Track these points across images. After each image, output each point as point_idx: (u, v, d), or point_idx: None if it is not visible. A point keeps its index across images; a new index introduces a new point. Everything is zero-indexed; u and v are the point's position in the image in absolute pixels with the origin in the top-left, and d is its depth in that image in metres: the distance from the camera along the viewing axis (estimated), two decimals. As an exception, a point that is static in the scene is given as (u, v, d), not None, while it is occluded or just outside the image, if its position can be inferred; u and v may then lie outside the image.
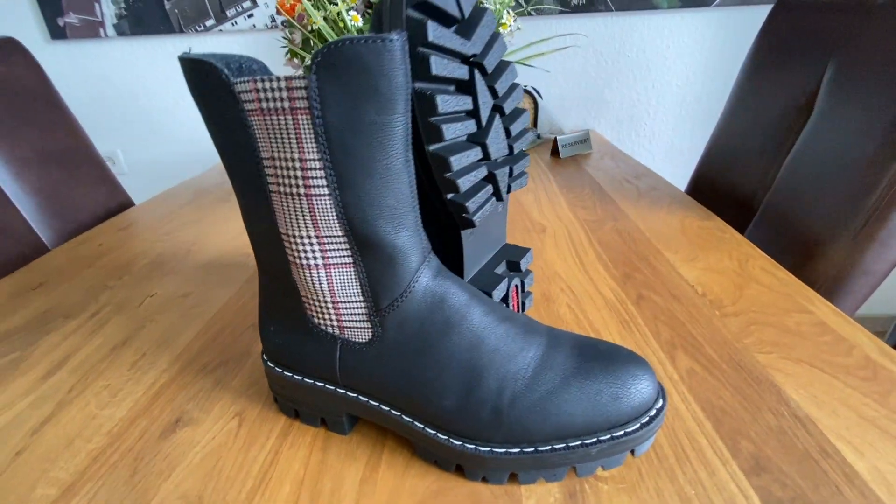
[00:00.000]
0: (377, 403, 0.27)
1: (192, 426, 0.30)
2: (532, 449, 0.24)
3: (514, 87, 0.26)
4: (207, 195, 0.78)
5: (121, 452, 0.29)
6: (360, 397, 0.27)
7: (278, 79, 0.20)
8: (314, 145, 0.21)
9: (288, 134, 0.21)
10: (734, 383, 0.32)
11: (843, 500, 0.24)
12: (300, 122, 0.21)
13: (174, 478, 0.27)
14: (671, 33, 1.07)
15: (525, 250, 0.34)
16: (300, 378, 0.28)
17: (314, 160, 0.21)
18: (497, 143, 0.26)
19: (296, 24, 0.45)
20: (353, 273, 0.24)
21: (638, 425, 0.24)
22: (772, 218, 0.66)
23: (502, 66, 0.25)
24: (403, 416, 0.26)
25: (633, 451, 0.25)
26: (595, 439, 0.24)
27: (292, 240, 0.24)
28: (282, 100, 0.20)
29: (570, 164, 0.86)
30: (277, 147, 0.22)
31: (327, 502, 0.25)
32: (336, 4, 0.41)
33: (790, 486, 0.25)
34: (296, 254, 0.24)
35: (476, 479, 0.25)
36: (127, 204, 0.82)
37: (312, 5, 0.43)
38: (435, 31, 0.21)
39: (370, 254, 0.24)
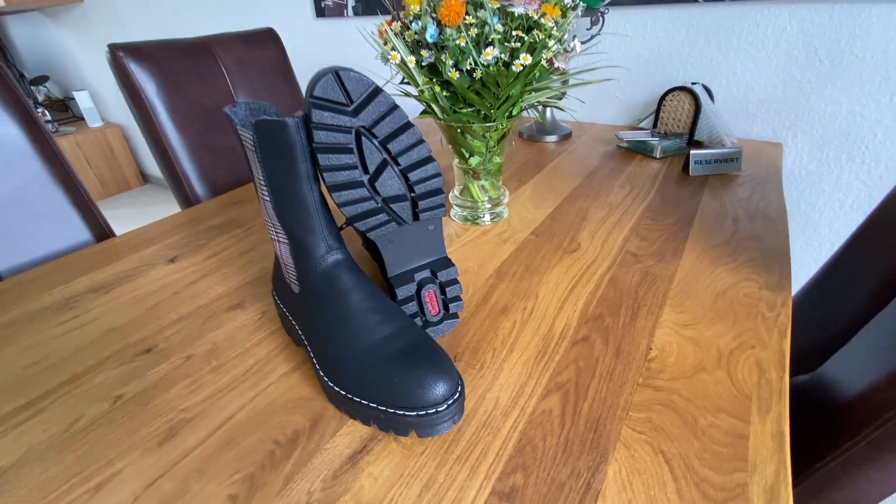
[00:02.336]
0: (299, 332, 0.42)
1: (243, 309, 0.52)
2: (350, 396, 0.36)
3: (413, 145, 0.35)
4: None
5: (210, 322, 0.52)
6: (295, 325, 0.43)
7: (245, 130, 0.35)
8: (262, 171, 0.36)
9: (254, 163, 0.36)
10: (569, 436, 0.35)
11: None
12: (254, 157, 0.36)
13: (220, 333, 0.48)
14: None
15: (449, 264, 0.42)
16: (282, 307, 0.46)
17: (261, 180, 0.36)
18: (390, 185, 0.35)
19: (385, 50, 0.58)
20: (289, 249, 0.39)
21: (414, 414, 0.33)
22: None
23: (399, 131, 0.34)
24: (307, 343, 0.41)
25: (416, 430, 0.34)
26: (384, 409, 0.34)
27: (270, 226, 0.40)
28: (247, 141, 0.36)
29: (692, 185, 0.77)
30: (255, 169, 0.37)
31: (273, 380, 0.42)
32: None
33: (513, 518, 0.30)
34: (271, 234, 0.40)
35: (328, 401, 0.39)
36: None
37: (396, 35, 0.55)
38: (318, 115, 0.32)
39: (293, 241, 0.38)
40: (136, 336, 0.48)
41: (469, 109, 0.56)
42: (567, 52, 0.53)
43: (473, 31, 0.48)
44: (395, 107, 0.34)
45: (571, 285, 0.53)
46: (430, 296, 0.42)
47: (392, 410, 0.34)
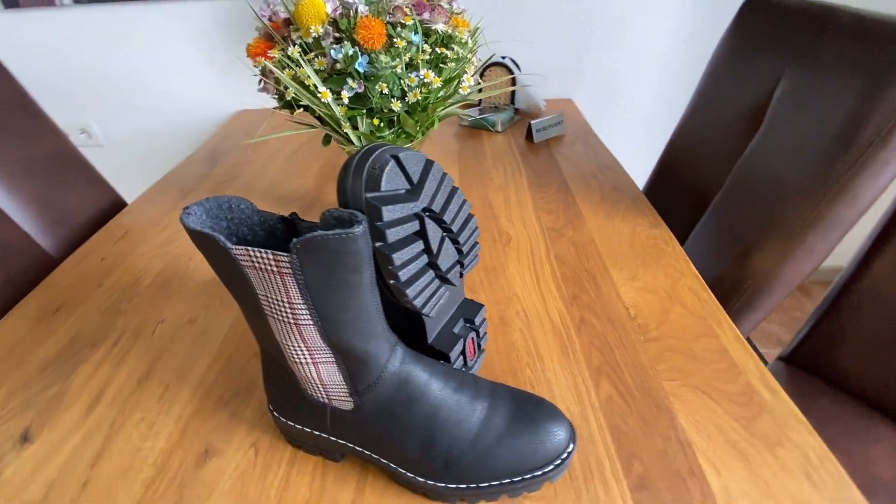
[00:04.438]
0: (361, 448, 0.35)
1: (218, 456, 0.39)
2: (475, 486, 0.33)
3: (461, 206, 0.32)
4: (193, 195, 0.81)
5: (167, 482, 0.37)
6: (348, 443, 0.36)
7: (266, 252, 0.26)
8: (299, 294, 0.27)
9: (277, 285, 0.27)
10: (640, 409, 0.41)
11: (693, 511, 0.34)
12: (287, 279, 0.27)
13: (212, 502, 0.36)
14: None
15: (479, 307, 0.41)
16: (300, 427, 0.37)
17: (300, 303, 0.28)
18: (447, 258, 0.32)
19: (266, 77, 0.47)
20: (335, 368, 0.31)
21: (552, 467, 0.33)
22: (716, 219, 0.73)
23: (450, 197, 0.30)
24: (381, 459, 0.35)
25: (550, 480, 0.34)
26: (520, 478, 0.33)
27: (287, 347, 0.31)
28: (270, 264, 0.26)
29: (541, 150, 0.90)
30: (270, 290, 0.28)
31: (327, 521, 0.34)
32: (300, 65, 0.43)
33: (660, 501, 0.35)
34: (291, 355, 0.31)
35: (437, 501, 0.35)
36: (118, 203, 0.85)
37: (278, 62, 0.45)
38: (388, 212, 0.26)
39: (348, 357, 0.31)
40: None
41: (390, 132, 0.51)
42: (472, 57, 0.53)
43: (407, 56, 0.43)
44: (444, 174, 0.30)
45: (533, 276, 0.58)
46: (470, 343, 0.41)
47: (528, 476, 0.33)
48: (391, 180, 0.26)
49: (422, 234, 0.29)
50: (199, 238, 0.27)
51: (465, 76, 0.47)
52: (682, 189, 0.83)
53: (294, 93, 0.43)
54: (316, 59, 0.43)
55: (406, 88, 0.44)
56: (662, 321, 0.50)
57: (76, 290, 0.59)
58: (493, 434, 0.33)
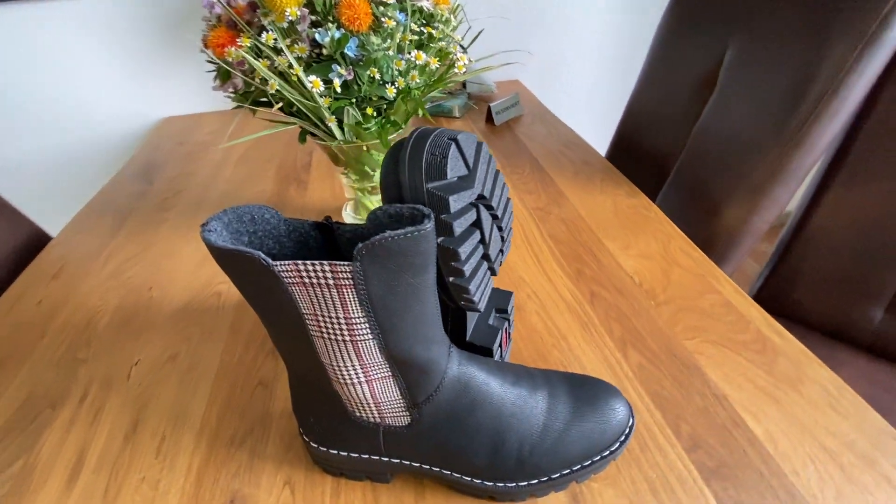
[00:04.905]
0: (418, 464, 0.33)
1: (253, 498, 0.34)
2: (546, 478, 0.32)
3: (503, 189, 0.30)
4: (134, 215, 0.72)
5: (194, 545, 0.32)
6: (403, 461, 0.33)
7: (321, 264, 0.22)
8: (358, 308, 0.24)
9: (332, 301, 0.24)
10: (671, 372, 0.42)
11: (748, 460, 0.35)
12: (345, 293, 0.23)
13: (255, 557, 0.31)
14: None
15: (508, 294, 0.40)
16: (345, 454, 0.33)
17: (358, 317, 0.24)
18: (495, 247, 0.30)
19: (233, 70, 0.41)
20: (392, 382, 0.28)
21: (618, 444, 0.33)
22: (682, 181, 0.76)
23: (496, 180, 0.28)
24: (442, 471, 0.32)
25: (614, 458, 0.34)
26: (590, 462, 0.32)
27: (335, 368, 0.27)
28: (325, 278, 0.23)
29: (505, 133, 0.89)
30: (321, 307, 0.24)
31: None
32: (280, 51, 0.39)
33: (715, 456, 0.36)
34: (339, 376, 0.28)
35: (505, 502, 0.33)
36: (38, 235, 0.73)
37: (250, 49, 0.39)
38: (454, 203, 0.23)
39: (407, 369, 0.28)
40: None
41: (375, 123, 0.48)
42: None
43: (398, 36, 0.40)
44: (491, 156, 0.27)
45: (534, 258, 0.57)
46: (504, 333, 0.39)
47: (597, 457, 0.32)
48: (453, 167, 0.23)
49: (478, 223, 0.26)
50: (229, 258, 0.23)
51: (457, 55, 0.45)
52: (643, 156, 0.86)
53: (278, 86, 0.38)
54: (295, 46, 0.38)
55: (398, 72, 0.41)
56: (666, 284, 0.52)
57: (15, 342, 0.50)
58: (560, 422, 0.32)
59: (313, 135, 0.50)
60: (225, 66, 0.40)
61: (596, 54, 1.19)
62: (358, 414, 0.31)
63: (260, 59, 0.39)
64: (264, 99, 0.50)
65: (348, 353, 0.26)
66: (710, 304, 0.49)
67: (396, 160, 0.23)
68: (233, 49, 0.38)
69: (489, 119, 0.94)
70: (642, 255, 0.56)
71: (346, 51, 0.37)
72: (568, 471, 0.32)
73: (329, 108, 0.42)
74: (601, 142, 1.31)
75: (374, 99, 0.43)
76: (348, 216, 0.62)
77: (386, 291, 0.23)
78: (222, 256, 0.23)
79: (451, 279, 0.27)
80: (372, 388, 0.28)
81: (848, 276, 0.74)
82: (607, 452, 0.32)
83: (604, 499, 0.33)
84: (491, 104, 0.91)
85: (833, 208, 0.72)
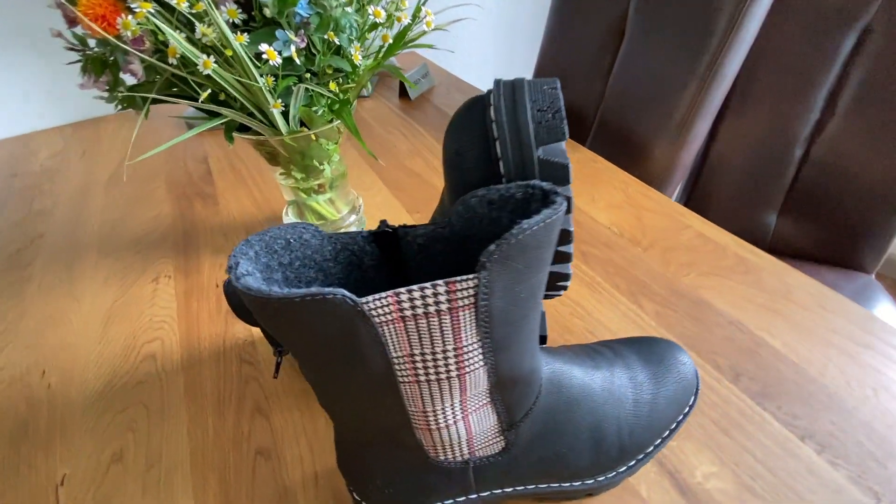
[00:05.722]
0: (511, 489, 0.28)
1: None
2: (643, 455, 0.30)
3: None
4: (-21, 280, 0.52)
5: None
6: (493, 491, 0.28)
7: (434, 286, 0.16)
8: (474, 332, 0.18)
9: (441, 331, 0.17)
10: (686, 311, 0.43)
11: (779, 373, 0.37)
12: (460, 317, 0.17)
13: None
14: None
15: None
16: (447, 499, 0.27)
17: (472, 344, 0.18)
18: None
19: (129, 48, 0.29)
20: (490, 410, 0.23)
21: (694, 398, 0.32)
22: (608, 130, 0.79)
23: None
24: (538, 487, 0.28)
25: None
26: (675, 424, 0.31)
27: (429, 414, 0.21)
28: (437, 303, 0.16)
29: (425, 107, 0.84)
30: (422, 344, 0.18)
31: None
32: (203, 17, 0.28)
33: (757, 379, 0.37)
34: (430, 422, 0.22)
35: (604, 492, 0.30)
36: None
37: (158, 14, 0.28)
38: (571, 169, 0.18)
39: (510, 389, 0.23)
40: None
41: (325, 102, 0.40)
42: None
43: (352, -11, 0.32)
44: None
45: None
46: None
47: (682, 417, 0.31)
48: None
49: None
50: (292, 308, 0.15)
51: (421, 10, 0.38)
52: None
53: (214, 64, 0.28)
54: (222, 8, 0.28)
55: (355, 33, 0.33)
56: (643, 229, 0.53)
57: None
58: (647, 392, 0.30)
59: (242, 130, 0.40)
60: (115, 46, 0.29)
61: (493, 18, 1.18)
62: (443, 458, 0.25)
63: (182, 34, 0.28)
64: (169, 92, 0.38)
65: (450, 392, 0.20)
66: (688, 238, 0.51)
67: (483, 129, 0.17)
68: (130, 19, 0.26)
69: (403, 93, 0.87)
70: (610, 206, 0.57)
71: (298, 10, 0.29)
72: (660, 440, 0.30)
73: (273, 89, 0.33)
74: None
75: (329, 72, 0.35)
76: (291, 221, 0.53)
77: (508, 302, 0.18)
78: (284, 308, 0.15)
79: (557, 267, 0.22)
80: (468, 423, 0.23)
81: (746, 191, 0.84)
82: (687, 409, 0.31)
83: (687, 454, 0.32)
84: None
85: (728, 135, 0.80)
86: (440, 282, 0.16)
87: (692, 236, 0.51)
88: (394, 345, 0.17)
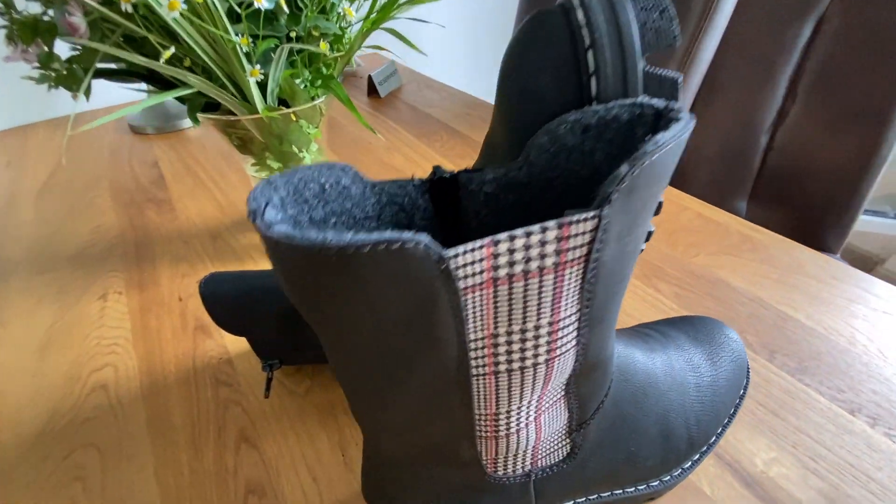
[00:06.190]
0: (571, 502, 0.24)
1: None
2: (706, 448, 0.26)
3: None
4: None
5: None
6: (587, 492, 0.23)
7: (545, 228, 0.12)
8: (575, 299, 0.14)
9: (538, 299, 0.13)
10: (705, 291, 0.41)
11: (811, 347, 0.35)
12: (564, 278, 0.13)
13: None
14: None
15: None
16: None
17: (570, 317, 0.14)
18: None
19: (71, 7, 0.23)
20: (562, 405, 0.19)
21: (747, 377, 0.29)
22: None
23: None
24: (600, 496, 0.24)
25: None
26: (734, 409, 0.28)
27: (500, 416, 0.17)
28: (543, 257, 0.12)
29: (396, 104, 0.80)
30: (509, 320, 0.13)
31: None
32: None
33: (791, 355, 0.35)
34: (500, 427, 0.17)
35: (662, 496, 0.27)
36: None
37: None
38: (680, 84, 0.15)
39: (588, 375, 0.18)
40: None
41: (309, 72, 0.35)
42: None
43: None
44: None
45: (508, 218, 0.51)
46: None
47: (739, 400, 0.28)
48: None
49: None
50: (355, 263, 0.10)
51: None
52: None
53: (182, 4, 0.22)
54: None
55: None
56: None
57: None
58: (706, 376, 0.26)
59: (211, 108, 0.34)
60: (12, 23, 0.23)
61: (461, 23, 1.16)
62: (501, 472, 0.20)
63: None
64: (111, 63, 0.32)
65: (532, 385, 0.16)
66: (688, 219, 0.50)
67: (565, 38, 0.13)
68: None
69: (372, 91, 0.83)
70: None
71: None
72: (721, 428, 0.27)
73: (251, 52, 0.28)
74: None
75: (316, 34, 0.30)
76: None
77: (615, 258, 0.14)
78: (342, 265, 0.10)
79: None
80: (538, 425, 0.19)
81: (719, 179, 0.86)
82: (742, 391, 0.28)
83: (742, 442, 0.30)
84: (371, 73, 0.80)
85: (699, 124, 0.82)
86: (550, 223, 0.11)
87: (692, 217, 0.50)
88: (475, 321, 0.13)
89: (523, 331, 0.14)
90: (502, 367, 0.15)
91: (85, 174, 0.63)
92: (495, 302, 0.13)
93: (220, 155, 0.66)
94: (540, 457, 0.21)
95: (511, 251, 0.12)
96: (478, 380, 0.15)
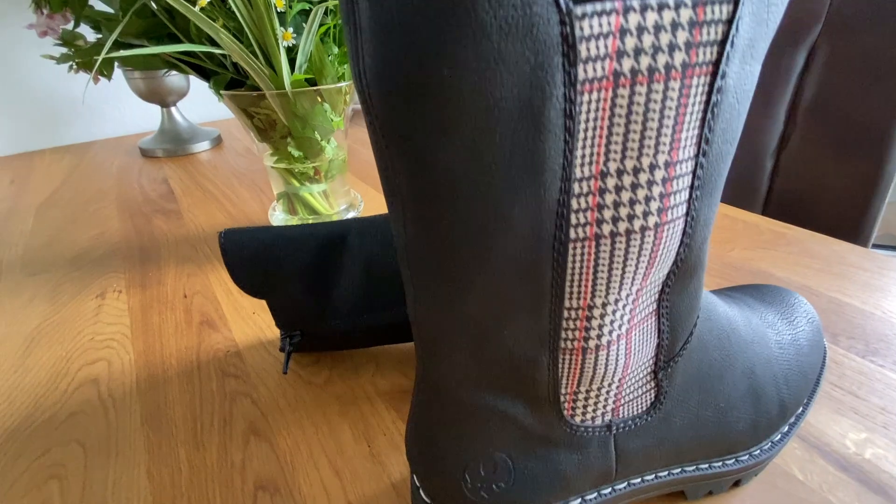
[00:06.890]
0: (652, 476, 0.20)
1: None
2: (794, 419, 0.23)
3: None
4: None
5: None
6: (632, 481, 0.20)
7: (678, 4, 0.10)
8: (696, 133, 0.12)
9: (660, 116, 0.11)
10: (748, 281, 0.38)
11: (875, 330, 0.33)
12: (691, 89, 0.11)
13: None
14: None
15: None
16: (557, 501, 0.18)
17: (687, 161, 0.12)
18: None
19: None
20: (653, 323, 0.16)
21: (825, 341, 0.26)
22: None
23: None
24: (684, 470, 0.20)
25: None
26: (820, 371, 0.25)
27: (594, 311, 0.14)
28: (672, 50, 0.10)
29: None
30: (623, 149, 0.11)
31: None
32: None
33: (856, 338, 0.32)
34: (591, 328, 0.14)
35: (749, 482, 0.23)
36: None
37: None
38: None
39: (685, 283, 0.16)
40: None
41: (336, 51, 0.34)
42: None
43: None
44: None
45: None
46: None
47: (822, 365, 0.25)
48: None
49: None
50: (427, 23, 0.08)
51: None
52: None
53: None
54: None
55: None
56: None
57: None
58: (786, 334, 0.24)
59: (239, 82, 0.34)
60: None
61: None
62: (580, 418, 0.17)
63: None
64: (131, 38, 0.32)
65: (636, 262, 0.13)
66: (716, 219, 0.48)
67: None
68: None
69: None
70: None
71: None
72: (811, 393, 0.24)
73: (285, 13, 0.28)
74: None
75: None
76: (278, 219, 0.45)
77: (739, 80, 0.12)
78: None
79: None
80: (629, 342, 0.16)
81: (735, 185, 0.86)
82: (824, 354, 0.25)
83: (826, 424, 0.26)
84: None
85: (705, 149, 0.83)
86: None
87: (718, 217, 0.49)
88: (584, 147, 0.11)
89: (636, 170, 0.12)
90: (606, 229, 0.12)
91: (90, 189, 0.62)
92: (611, 116, 0.11)
93: (231, 174, 0.65)
94: (623, 401, 0.17)
95: (640, 30, 0.10)
96: (575, 246, 0.12)
